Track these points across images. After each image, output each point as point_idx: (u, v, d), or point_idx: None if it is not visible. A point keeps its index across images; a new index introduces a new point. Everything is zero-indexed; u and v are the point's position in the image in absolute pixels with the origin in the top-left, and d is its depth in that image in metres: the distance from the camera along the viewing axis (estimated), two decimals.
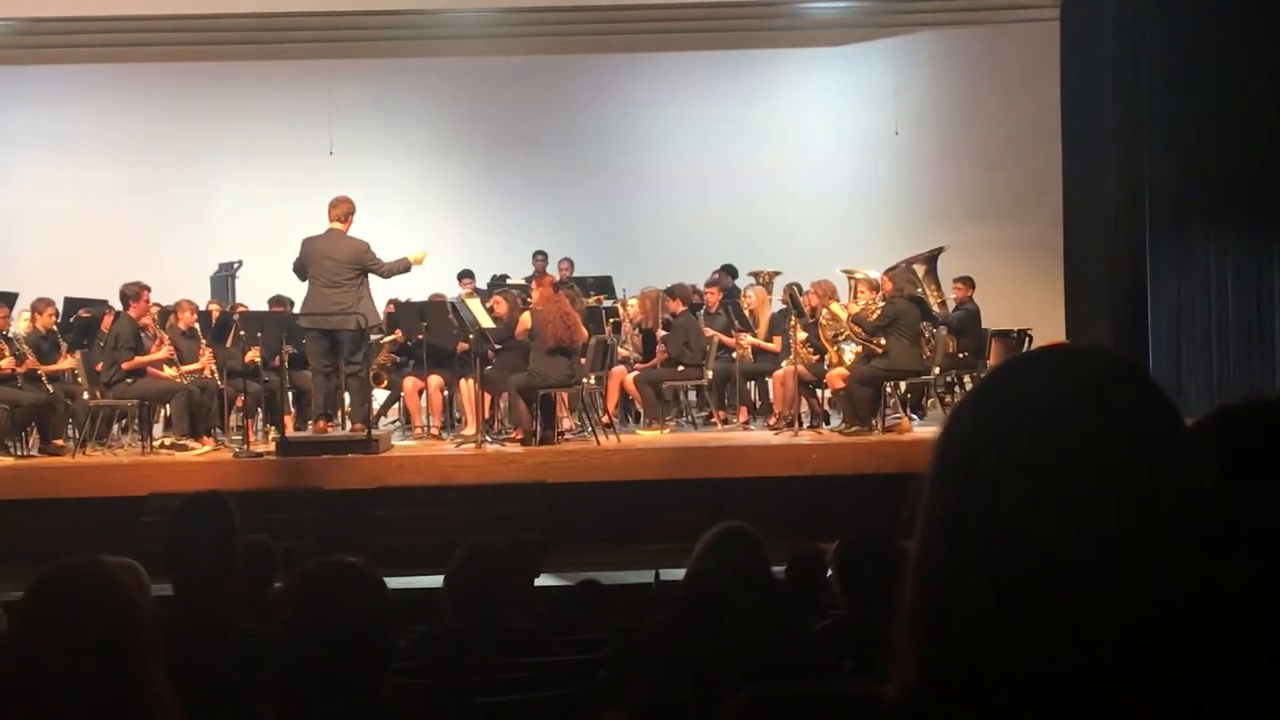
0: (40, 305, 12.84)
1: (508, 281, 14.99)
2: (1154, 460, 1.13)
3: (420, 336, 12.74)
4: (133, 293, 12.12)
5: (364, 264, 11.66)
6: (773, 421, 12.96)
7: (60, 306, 13.33)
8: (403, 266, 11.92)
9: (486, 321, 12.44)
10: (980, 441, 1.16)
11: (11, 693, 2.51)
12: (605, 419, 12.45)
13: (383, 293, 13.24)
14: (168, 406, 12.42)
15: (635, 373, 13.19)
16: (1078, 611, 1.10)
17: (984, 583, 1.12)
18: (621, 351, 13.86)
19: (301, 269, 11.82)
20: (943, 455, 1.19)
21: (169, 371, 12.33)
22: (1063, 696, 1.10)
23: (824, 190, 17.59)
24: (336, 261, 11.62)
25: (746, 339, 13.53)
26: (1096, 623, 1.09)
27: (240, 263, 15.90)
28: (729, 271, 15.36)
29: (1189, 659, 1.10)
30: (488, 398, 12.40)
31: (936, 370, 12.75)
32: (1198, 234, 14.32)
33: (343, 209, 11.80)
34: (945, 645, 1.14)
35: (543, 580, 7.07)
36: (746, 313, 13.73)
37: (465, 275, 15.41)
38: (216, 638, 3.86)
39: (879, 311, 12.15)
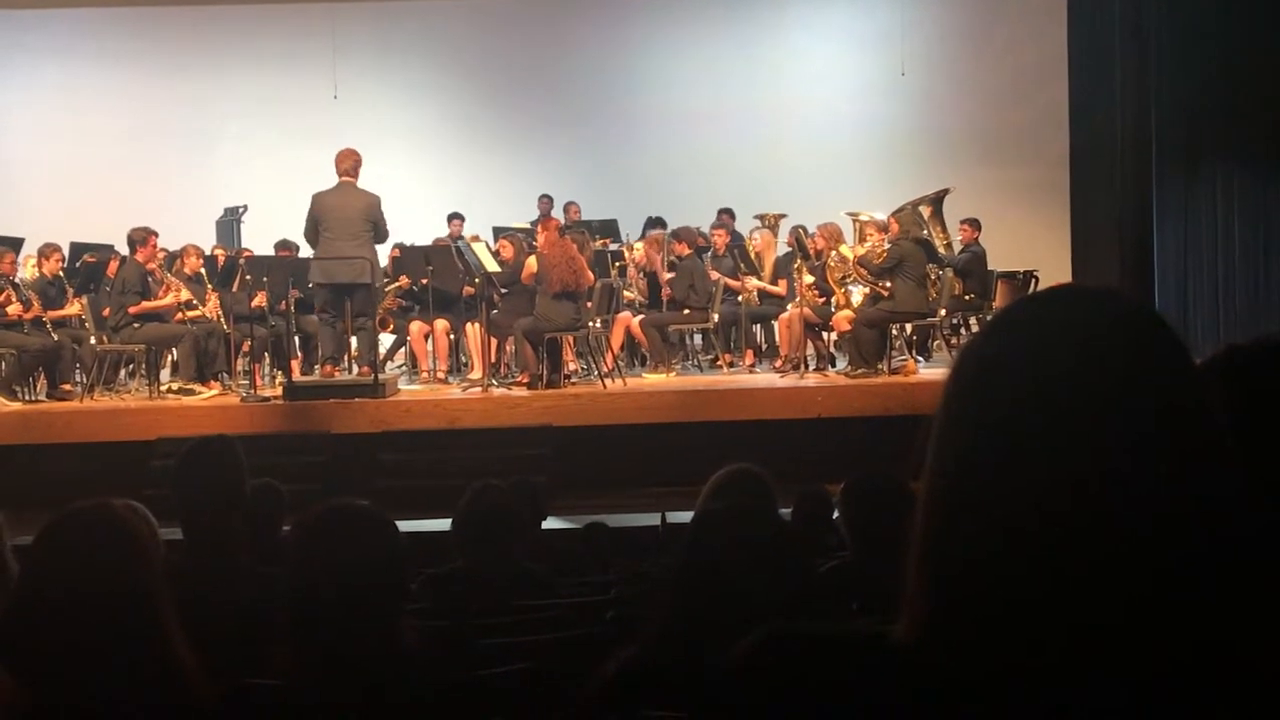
0: (47, 251, 12.85)
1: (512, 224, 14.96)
2: (1164, 400, 1.13)
3: (425, 281, 12.74)
4: (140, 238, 12.11)
5: (375, 218, 11.66)
6: (779, 364, 12.97)
7: (66, 252, 13.31)
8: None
9: (492, 265, 12.43)
10: (988, 383, 1.16)
11: (25, 636, 2.53)
12: (609, 362, 12.45)
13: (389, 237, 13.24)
14: (174, 351, 12.44)
15: (641, 316, 13.19)
16: (1087, 553, 1.10)
17: (993, 524, 1.12)
18: (627, 295, 13.85)
19: (313, 228, 11.75)
20: (951, 397, 1.19)
21: (182, 295, 12.36)
22: (1071, 639, 1.10)
23: (830, 132, 17.53)
24: (350, 215, 11.60)
25: (752, 282, 13.51)
26: (1106, 565, 1.10)
27: (245, 207, 15.91)
28: (728, 214, 15.30)
29: (1202, 599, 1.10)
30: (494, 342, 12.41)
31: (942, 312, 12.73)
32: (1205, 174, 14.27)
33: (350, 162, 11.78)
34: (954, 587, 1.15)
35: (550, 523, 7.09)
36: (752, 256, 13.70)
37: (455, 217, 15.38)
38: (227, 580, 3.88)
39: (884, 254, 12.12)
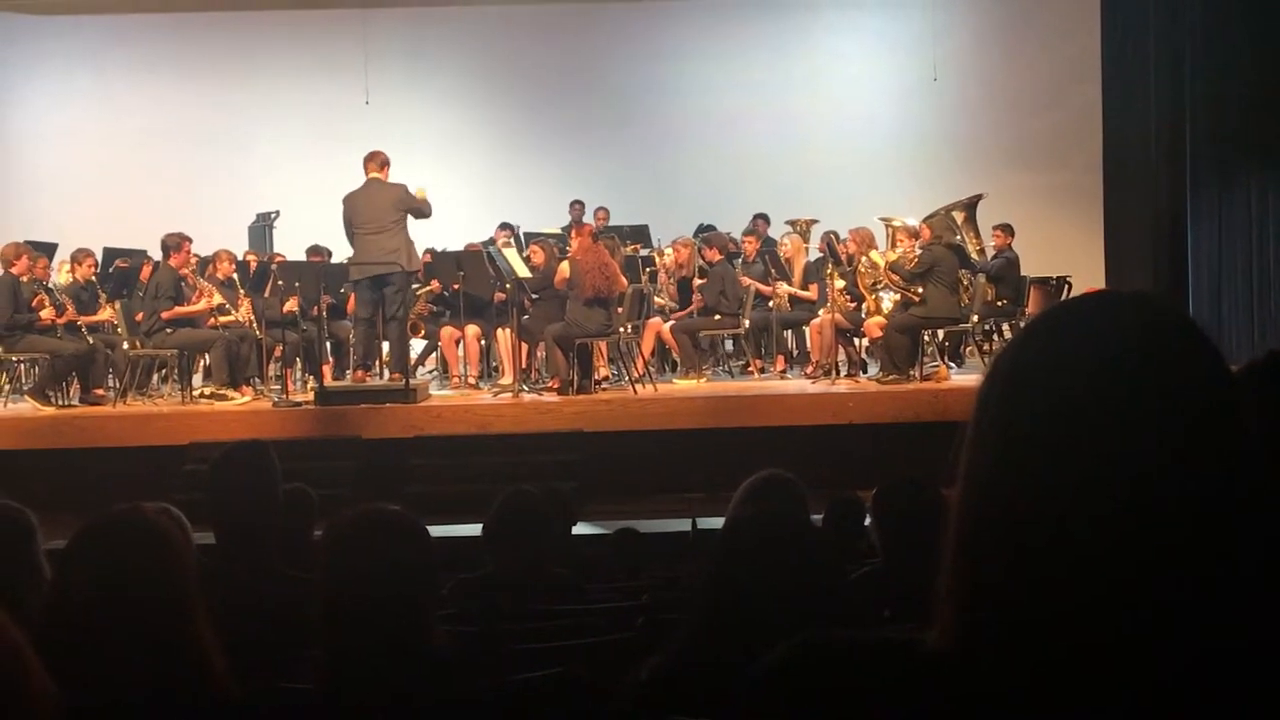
0: (80, 256, 12.92)
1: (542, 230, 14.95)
2: (1200, 406, 1.12)
3: (457, 286, 12.76)
4: (174, 243, 12.17)
5: (407, 205, 11.79)
6: (810, 370, 12.94)
7: (99, 257, 13.38)
8: (427, 209, 12.02)
9: (523, 271, 12.44)
10: (1023, 389, 1.16)
11: (58, 640, 2.53)
12: (640, 368, 12.44)
13: (420, 243, 13.28)
14: (207, 356, 12.49)
15: (672, 322, 13.18)
16: (1121, 560, 1.09)
17: (1026, 531, 1.12)
18: (658, 301, 13.84)
19: (348, 227, 11.96)
20: (986, 403, 1.18)
21: (215, 299, 12.44)
22: (1105, 646, 1.09)
23: (862, 137, 17.50)
24: (379, 207, 11.76)
25: (783, 287, 13.48)
26: (1140, 572, 1.09)
27: (277, 213, 15.97)
28: (763, 219, 15.29)
29: (1238, 607, 1.09)
30: (525, 347, 12.42)
31: (975, 318, 12.70)
32: (1239, 178, 14.17)
33: (379, 160, 11.99)
34: (987, 594, 1.14)
35: (580, 529, 7.09)
36: (783, 261, 13.68)
37: (504, 227, 15.35)
38: (260, 584, 3.89)
39: (916, 259, 12.08)
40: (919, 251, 12.17)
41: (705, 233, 14.45)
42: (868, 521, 4.86)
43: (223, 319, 12.47)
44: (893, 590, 4.01)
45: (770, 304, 13.46)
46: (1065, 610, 1.10)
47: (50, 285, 12.51)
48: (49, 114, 17.97)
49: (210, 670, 2.60)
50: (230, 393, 11.94)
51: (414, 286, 12.95)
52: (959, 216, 14.24)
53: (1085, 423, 1.11)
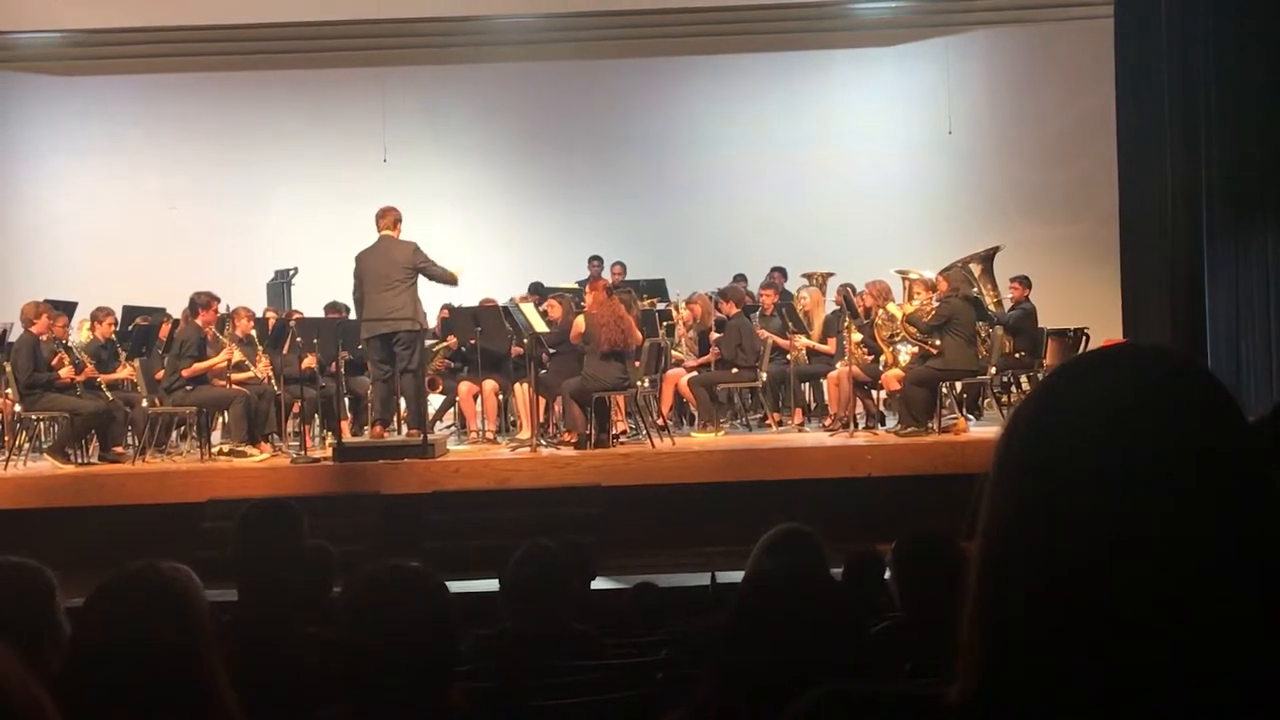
0: (100, 314, 12.98)
1: (558, 286, 14.98)
2: (1219, 459, 1.12)
3: (474, 341, 12.78)
4: (203, 301, 12.24)
5: (415, 264, 11.81)
6: (828, 423, 12.92)
7: (119, 315, 13.44)
8: (449, 277, 12.04)
9: (540, 325, 12.47)
10: (1043, 442, 1.16)
11: (78, 696, 2.53)
12: (660, 422, 12.44)
13: (437, 298, 13.32)
14: (225, 413, 12.51)
15: (689, 374, 13.18)
16: (1144, 613, 1.09)
17: (1048, 584, 1.11)
18: (676, 355, 13.84)
19: (359, 287, 11.97)
20: (1005, 456, 1.18)
21: (240, 368, 12.47)
22: (1129, 701, 1.09)
23: (877, 190, 17.54)
24: (390, 264, 11.78)
25: (800, 340, 13.49)
26: (1163, 625, 1.08)
27: (295, 270, 16.03)
28: (780, 273, 15.32)
29: (1261, 660, 1.09)
30: (542, 401, 12.42)
31: (993, 370, 12.68)
32: (1256, 229, 14.14)
33: (391, 217, 12.03)
34: (1009, 647, 1.14)
35: (599, 583, 7.07)
36: (800, 314, 13.69)
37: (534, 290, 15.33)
38: (282, 641, 3.89)
39: (934, 311, 12.08)
40: (936, 304, 12.18)
41: (737, 283, 14.53)
42: (887, 575, 4.85)
43: (239, 376, 12.50)
44: (913, 644, 3.99)
45: (788, 357, 13.46)
46: (1087, 665, 1.09)
47: (70, 344, 12.56)
48: (68, 173, 18.10)
49: None
50: (249, 449, 11.95)
51: (430, 343, 12.96)
52: (976, 269, 14.25)
53: (1104, 475, 1.11)
